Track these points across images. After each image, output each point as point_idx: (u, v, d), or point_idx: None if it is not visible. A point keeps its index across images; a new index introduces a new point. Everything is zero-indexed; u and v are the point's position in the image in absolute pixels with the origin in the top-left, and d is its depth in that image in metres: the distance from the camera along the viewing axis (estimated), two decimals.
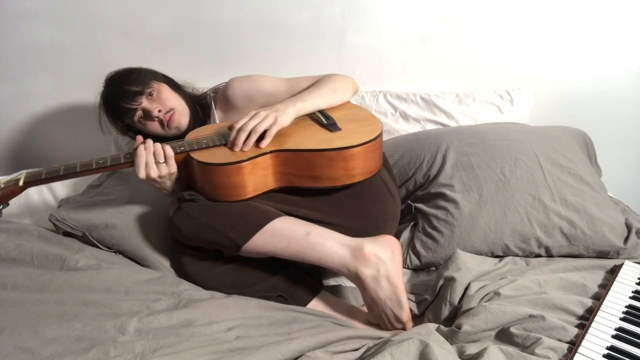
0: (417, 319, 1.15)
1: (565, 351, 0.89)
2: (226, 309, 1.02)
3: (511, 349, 0.89)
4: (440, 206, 1.30)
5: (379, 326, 1.11)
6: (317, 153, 1.12)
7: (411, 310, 1.15)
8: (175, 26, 1.65)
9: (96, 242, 1.23)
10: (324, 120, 1.22)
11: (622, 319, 0.96)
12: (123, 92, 1.28)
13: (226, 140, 1.16)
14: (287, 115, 1.16)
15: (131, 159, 1.13)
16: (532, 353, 0.88)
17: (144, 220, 1.24)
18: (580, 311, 1.00)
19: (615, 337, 0.92)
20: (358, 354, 0.92)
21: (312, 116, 1.25)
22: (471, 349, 0.91)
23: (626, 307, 0.99)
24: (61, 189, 1.65)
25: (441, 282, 1.13)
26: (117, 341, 0.89)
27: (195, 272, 1.13)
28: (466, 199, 1.28)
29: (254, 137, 1.12)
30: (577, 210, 1.24)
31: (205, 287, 1.12)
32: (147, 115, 1.30)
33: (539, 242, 1.23)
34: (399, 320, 1.07)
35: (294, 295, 1.14)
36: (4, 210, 1.15)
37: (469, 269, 1.14)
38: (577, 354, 0.87)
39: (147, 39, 1.66)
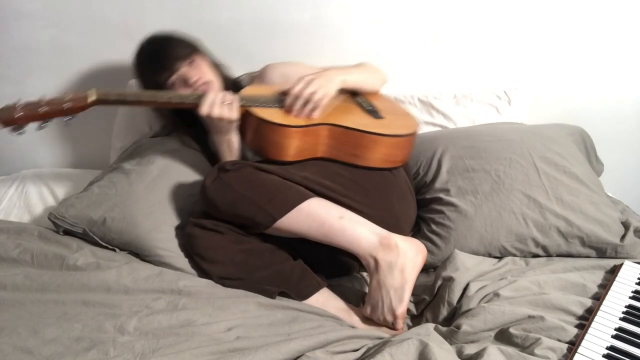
0: (416, 319, 1.15)
1: (565, 351, 0.89)
2: (226, 308, 1.02)
3: (510, 349, 0.89)
4: (437, 210, 1.31)
5: (376, 324, 1.11)
6: (365, 135, 1.21)
7: (409, 311, 1.16)
8: (175, 26, 1.63)
9: (97, 238, 1.23)
10: (367, 106, 1.31)
11: (622, 319, 0.96)
12: (167, 50, 1.31)
13: (281, 103, 1.23)
14: (334, 84, 1.23)
15: (196, 101, 1.20)
16: (532, 353, 0.88)
17: (143, 211, 1.24)
18: (580, 311, 1.00)
19: (615, 337, 0.92)
20: (358, 354, 0.92)
21: (355, 100, 1.33)
22: (470, 349, 0.91)
23: (626, 307, 0.99)
24: (61, 188, 1.65)
25: (439, 282, 1.13)
26: (116, 341, 0.89)
27: (206, 245, 1.14)
28: (462, 202, 1.28)
29: (310, 106, 1.20)
30: (572, 209, 1.24)
31: (212, 261, 1.13)
32: (184, 81, 1.31)
33: (535, 242, 1.23)
34: (393, 312, 1.07)
35: (296, 288, 1.14)
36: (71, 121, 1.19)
37: (467, 269, 1.15)
38: (576, 354, 0.87)
39: None
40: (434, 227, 1.30)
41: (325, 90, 1.20)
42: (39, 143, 1.85)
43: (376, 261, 1.08)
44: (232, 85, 1.43)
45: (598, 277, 1.11)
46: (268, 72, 1.42)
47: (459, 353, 0.92)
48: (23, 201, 1.59)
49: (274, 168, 1.15)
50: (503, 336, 0.95)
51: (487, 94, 1.67)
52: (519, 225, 1.23)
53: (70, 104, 1.15)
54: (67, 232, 1.26)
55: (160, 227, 1.23)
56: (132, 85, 1.65)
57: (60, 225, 1.26)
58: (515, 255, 1.24)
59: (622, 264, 1.12)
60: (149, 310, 0.99)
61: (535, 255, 1.24)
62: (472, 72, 1.71)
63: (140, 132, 1.61)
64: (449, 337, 0.98)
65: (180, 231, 1.22)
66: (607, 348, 0.89)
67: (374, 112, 1.29)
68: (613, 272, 1.11)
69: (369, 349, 0.92)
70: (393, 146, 1.25)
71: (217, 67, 1.41)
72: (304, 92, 1.19)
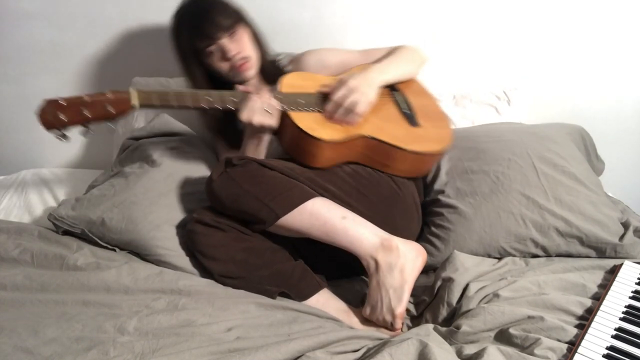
0: (416, 320, 1.15)
1: (565, 351, 0.89)
2: (226, 309, 1.02)
3: (510, 350, 0.89)
4: (436, 212, 1.31)
5: (375, 324, 1.12)
6: (399, 150, 1.23)
7: (409, 311, 1.16)
8: None
9: (96, 239, 1.23)
10: (404, 108, 1.31)
11: (622, 319, 0.96)
12: (210, 17, 1.26)
13: (321, 107, 1.23)
14: (374, 89, 1.24)
15: (237, 105, 1.18)
16: (531, 353, 0.88)
17: (142, 210, 1.24)
18: (580, 311, 1.00)
19: (614, 337, 0.92)
20: (358, 354, 0.92)
21: (394, 97, 1.33)
22: (470, 350, 0.91)
23: (626, 307, 0.99)
24: (61, 188, 1.65)
25: (439, 282, 1.13)
26: (116, 341, 0.89)
27: (207, 242, 1.14)
28: (461, 203, 1.28)
29: (350, 116, 1.21)
30: (571, 209, 1.24)
31: (213, 258, 1.13)
32: (222, 53, 1.29)
33: (534, 242, 1.23)
34: (392, 312, 1.07)
35: (297, 288, 1.15)
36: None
37: (466, 269, 1.15)
38: (576, 354, 0.87)
39: (148, 39, 1.66)
40: (433, 229, 1.30)
41: (366, 98, 1.21)
42: (39, 143, 1.85)
43: (376, 262, 1.09)
44: (270, 62, 1.42)
45: (598, 277, 1.11)
46: (306, 58, 1.42)
47: (459, 353, 0.92)
48: (23, 201, 1.59)
49: (280, 166, 1.16)
50: (503, 336, 0.95)
51: (487, 94, 1.66)
52: (518, 226, 1.23)
53: (112, 108, 1.11)
54: (67, 233, 1.27)
55: (160, 226, 1.23)
56: (136, 83, 1.65)
57: (59, 226, 1.26)
58: (514, 256, 1.24)
59: (622, 264, 1.12)
60: (149, 310, 0.99)
61: (535, 256, 1.24)
62: (471, 73, 1.71)
63: None
64: (449, 338, 0.98)
65: (181, 229, 1.23)
66: (607, 348, 0.89)
67: (410, 117, 1.30)
68: (613, 272, 1.11)
69: (368, 349, 0.92)
70: (424, 161, 1.30)
71: (257, 40, 1.38)
72: (346, 101, 1.19)
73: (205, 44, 1.28)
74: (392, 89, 1.35)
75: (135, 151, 1.43)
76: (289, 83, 1.27)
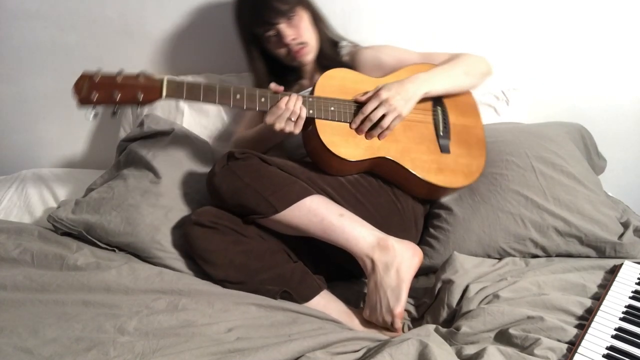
0: (417, 322, 1.15)
1: (565, 351, 0.89)
2: (226, 309, 1.02)
3: (510, 350, 0.89)
4: (434, 214, 1.32)
5: (376, 326, 1.12)
6: (417, 178, 1.22)
7: (411, 313, 1.16)
8: (175, 26, 1.65)
9: (95, 240, 1.23)
10: (441, 129, 1.27)
11: (622, 319, 0.96)
12: (266, 3, 1.26)
13: (351, 117, 1.20)
14: (411, 103, 1.20)
15: (265, 108, 1.16)
16: (531, 354, 0.88)
17: (141, 212, 1.24)
18: (580, 311, 1.00)
19: (615, 337, 0.92)
20: (358, 355, 0.92)
21: (435, 114, 1.29)
22: (470, 350, 0.91)
23: (626, 307, 0.99)
24: (61, 188, 1.65)
25: (439, 284, 1.13)
26: (116, 341, 0.89)
27: (205, 246, 1.13)
28: (459, 204, 1.28)
29: (379, 131, 1.19)
30: (570, 209, 1.24)
31: (212, 263, 1.12)
32: (279, 38, 1.29)
33: (534, 242, 1.23)
34: (391, 312, 1.07)
35: (298, 290, 1.14)
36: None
37: (466, 270, 1.15)
38: (576, 354, 0.87)
39: (147, 39, 1.66)
40: (432, 230, 1.30)
41: (397, 113, 1.17)
42: (38, 143, 1.85)
43: (373, 262, 1.09)
44: (331, 46, 1.40)
45: (598, 277, 1.11)
46: (363, 54, 1.39)
47: (459, 354, 0.92)
48: (23, 201, 1.59)
49: (282, 162, 1.17)
50: (503, 337, 0.95)
51: (485, 95, 1.64)
52: (517, 226, 1.23)
53: (141, 95, 1.10)
54: (66, 233, 1.27)
55: (159, 228, 1.23)
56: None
57: (58, 227, 1.26)
58: (514, 256, 1.24)
59: (622, 264, 1.12)
60: (149, 311, 0.99)
61: (535, 256, 1.24)
62: None
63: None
64: (449, 339, 0.98)
65: (180, 230, 1.22)
66: (607, 348, 0.89)
67: (443, 140, 1.26)
68: (613, 272, 1.11)
69: (369, 350, 0.92)
70: (443, 192, 1.28)
71: (317, 23, 1.36)
72: (375, 115, 1.17)
73: (264, 29, 1.29)
74: (436, 102, 1.30)
75: (131, 154, 1.43)
76: (325, 84, 1.22)
